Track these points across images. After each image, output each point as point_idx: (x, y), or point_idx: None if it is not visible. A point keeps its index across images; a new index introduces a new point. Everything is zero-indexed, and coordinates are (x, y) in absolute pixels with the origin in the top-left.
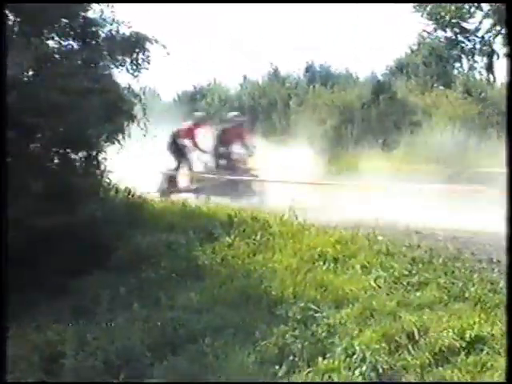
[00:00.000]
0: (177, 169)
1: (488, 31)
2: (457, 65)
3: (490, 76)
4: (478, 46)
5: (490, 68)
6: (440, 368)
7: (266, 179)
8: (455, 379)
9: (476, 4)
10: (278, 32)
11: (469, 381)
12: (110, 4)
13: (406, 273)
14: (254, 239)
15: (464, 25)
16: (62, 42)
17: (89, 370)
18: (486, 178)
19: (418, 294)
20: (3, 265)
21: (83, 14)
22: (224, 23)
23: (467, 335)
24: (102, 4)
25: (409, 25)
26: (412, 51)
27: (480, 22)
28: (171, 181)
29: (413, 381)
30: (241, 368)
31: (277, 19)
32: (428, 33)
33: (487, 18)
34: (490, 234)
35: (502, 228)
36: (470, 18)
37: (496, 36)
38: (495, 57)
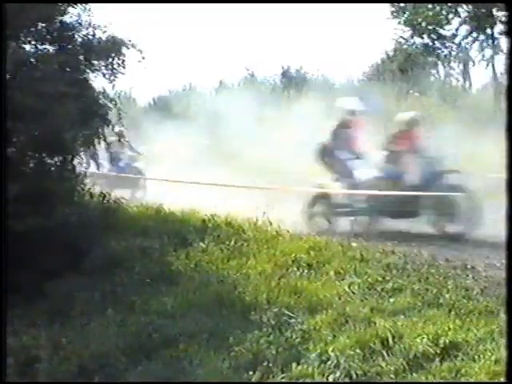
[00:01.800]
0: None
1: (464, 38)
2: (433, 71)
3: (466, 83)
4: (454, 53)
5: (465, 75)
6: (414, 374)
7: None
8: None
9: (453, 10)
10: (254, 37)
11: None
12: (87, 7)
13: (380, 279)
14: (228, 245)
15: (441, 31)
16: (38, 45)
17: (63, 375)
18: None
19: (392, 300)
20: (3, 266)
21: (60, 17)
22: (199, 28)
23: (441, 341)
24: (78, 7)
25: (385, 31)
26: (388, 57)
27: (457, 29)
28: None
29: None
30: (215, 373)
31: (253, 24)
32: (405, 39)
33: (464, 24)
34: (463, 240)
35: (475, 233)
36: (446, 24)
37: (473, 43)
38: (471, 63)
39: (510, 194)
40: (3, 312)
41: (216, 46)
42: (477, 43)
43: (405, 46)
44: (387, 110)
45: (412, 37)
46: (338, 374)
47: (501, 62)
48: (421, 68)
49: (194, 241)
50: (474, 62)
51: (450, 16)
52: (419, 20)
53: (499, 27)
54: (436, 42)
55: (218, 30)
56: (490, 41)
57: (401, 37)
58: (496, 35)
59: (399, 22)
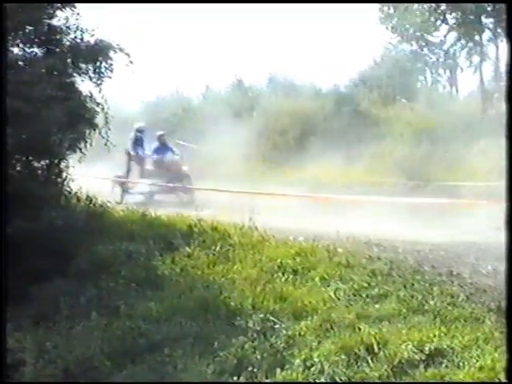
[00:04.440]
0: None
1: (452, 45)
2: (420, 78)
3: (453, 89)
4: (441, 60)
5: (453, 81)
6: (399, 380)
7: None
8: None
9: (441, 17)
10: (241, 42)
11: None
12: (76, 11)
13: (366, 285)
14: (214, 250)
15: (429, 38)
16: (26, 49)
17: (49, 378)
18: (447, 190)
19: (377, 306)
20: (3, 266)
21: (48, 21)
22: (186, 33)
23: (426, 348)
24: (66, 11)
25: (373, 36)
26: (375, 63)
27: (445, 36)
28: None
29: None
30: (199, 378)
31: (240, 29)
32: (392, 45)
33: (452, 31)
34: (450, 247)
35: (461, 240)
36: (434, 31)
37: (461, 50)
38: (459, 70)
39: (510, 195)
40: (3, 312)
41: (202, 49)
42: (465, 50)
43: (392, 53)
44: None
45: (400, 43)
46: (322, 379)
47: (488, 68)
48: (408, 74)
49: (179, 245)
50: (461, 68)
51: (438, 23)
52: (407, 26)
53: (487, 34)
54: (424, 49)
55: (203, 33)
56: (478, 48)
57: (389, 43)
58: (484, 42)
59: (387, 28)
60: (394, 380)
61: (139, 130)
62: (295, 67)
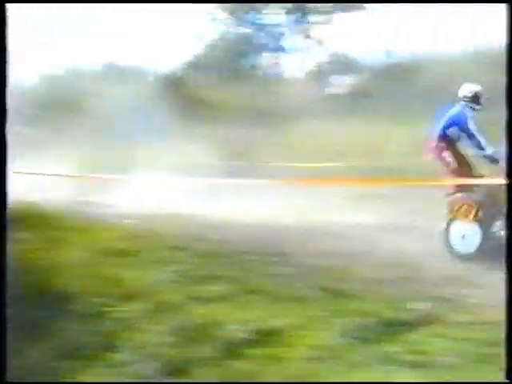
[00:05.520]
0: None
1: (284, 26)
2: (254, 61)
3: (286, 72)
4: (274, 43)
5: (282, 64)
6: (230, 360)
7: None
8: (244, 370)
9: None
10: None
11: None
12: None
13: (198, 267)
14: (44, 234)
15: (262, 20)
16: None
17: None
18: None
19: (209, 287)
20: (3, 265)
21: None
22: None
23: (259, 328)
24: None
25: (207, 20)
26: (208, 46)
27: (277, 19)
28: None
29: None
30: (30, 364)
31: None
32: (227, 28)
33: (284, 14)
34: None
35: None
36: (268, 13)
37: (293, 33)
38: (290, 53)
39: (510, 193)
40: (3, 312)
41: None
42: (298, 34)
43: (227, 36)
44: None
45: (235, 26)
46: (153, 361)
47: (325, 52)
48: (243, 57)
49: (9, 230)
50: (292, 51)
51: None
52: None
53: (323, 17)
54: (257, 32)
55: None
56: (309, 30)
57: (224, 26)
58: (315, 25)
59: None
60: (226, 360)
61: (473, 98)
62: (129, 52)
